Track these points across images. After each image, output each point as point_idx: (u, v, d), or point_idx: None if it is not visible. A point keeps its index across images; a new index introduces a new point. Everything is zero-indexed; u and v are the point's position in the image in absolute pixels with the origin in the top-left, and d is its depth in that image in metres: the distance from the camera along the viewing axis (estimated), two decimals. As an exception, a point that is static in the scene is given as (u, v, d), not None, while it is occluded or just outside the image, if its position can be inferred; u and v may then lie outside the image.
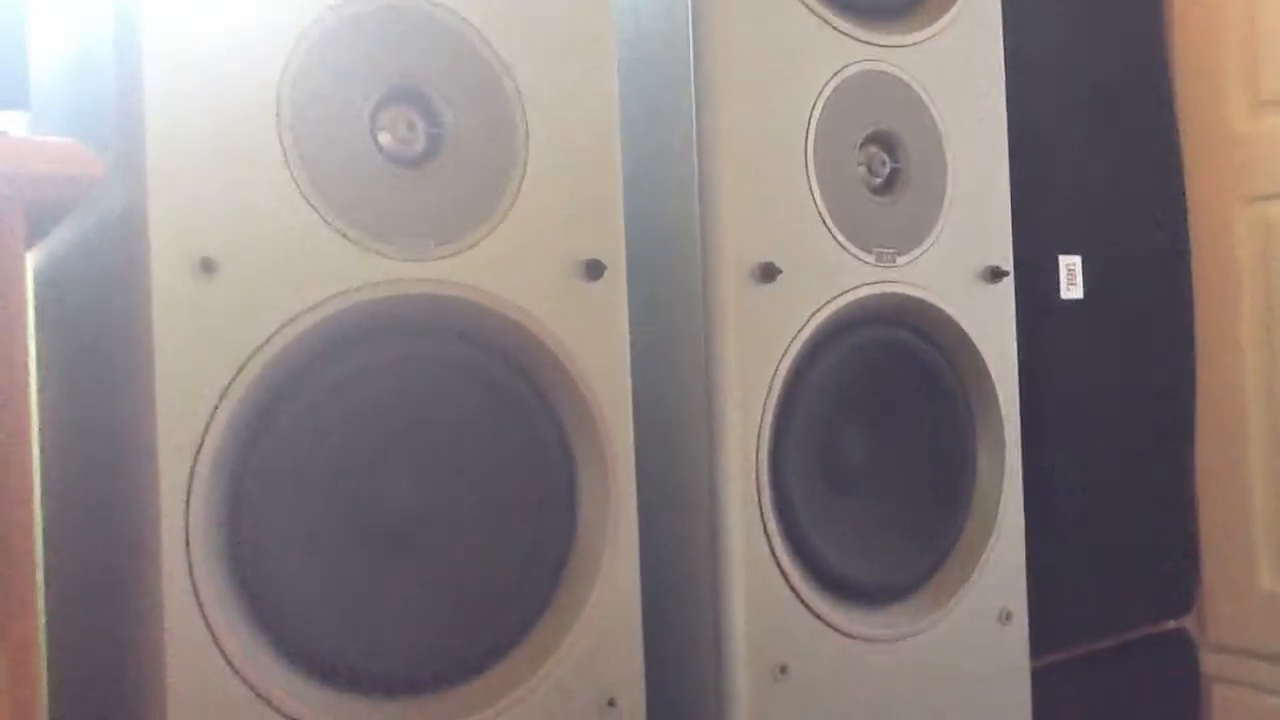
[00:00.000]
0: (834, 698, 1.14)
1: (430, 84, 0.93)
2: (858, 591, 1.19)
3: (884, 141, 1.21)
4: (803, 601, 1.13)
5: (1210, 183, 1.90)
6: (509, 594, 0.96)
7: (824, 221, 1.15)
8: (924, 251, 1.23)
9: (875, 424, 1.23)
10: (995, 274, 1.29)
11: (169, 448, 0.81)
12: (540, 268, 0.98)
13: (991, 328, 1.29)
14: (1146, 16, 1.56)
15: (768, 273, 1.10)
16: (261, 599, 0.86)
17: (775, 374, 1.11)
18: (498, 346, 0.97)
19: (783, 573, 1.11)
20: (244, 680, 0.83)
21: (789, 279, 1.12)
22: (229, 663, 0.83)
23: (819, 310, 1.14)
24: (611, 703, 1.00)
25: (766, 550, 1.10)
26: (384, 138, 0.91)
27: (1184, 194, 1.55)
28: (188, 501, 0.82)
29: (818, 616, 1.14)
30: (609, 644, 1.00)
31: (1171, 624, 1.58)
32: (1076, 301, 1.38)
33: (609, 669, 1.00)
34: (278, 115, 0.86)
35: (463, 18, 0.95)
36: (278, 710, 0.85)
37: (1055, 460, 1.38)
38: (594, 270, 1.00)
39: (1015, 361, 1.31)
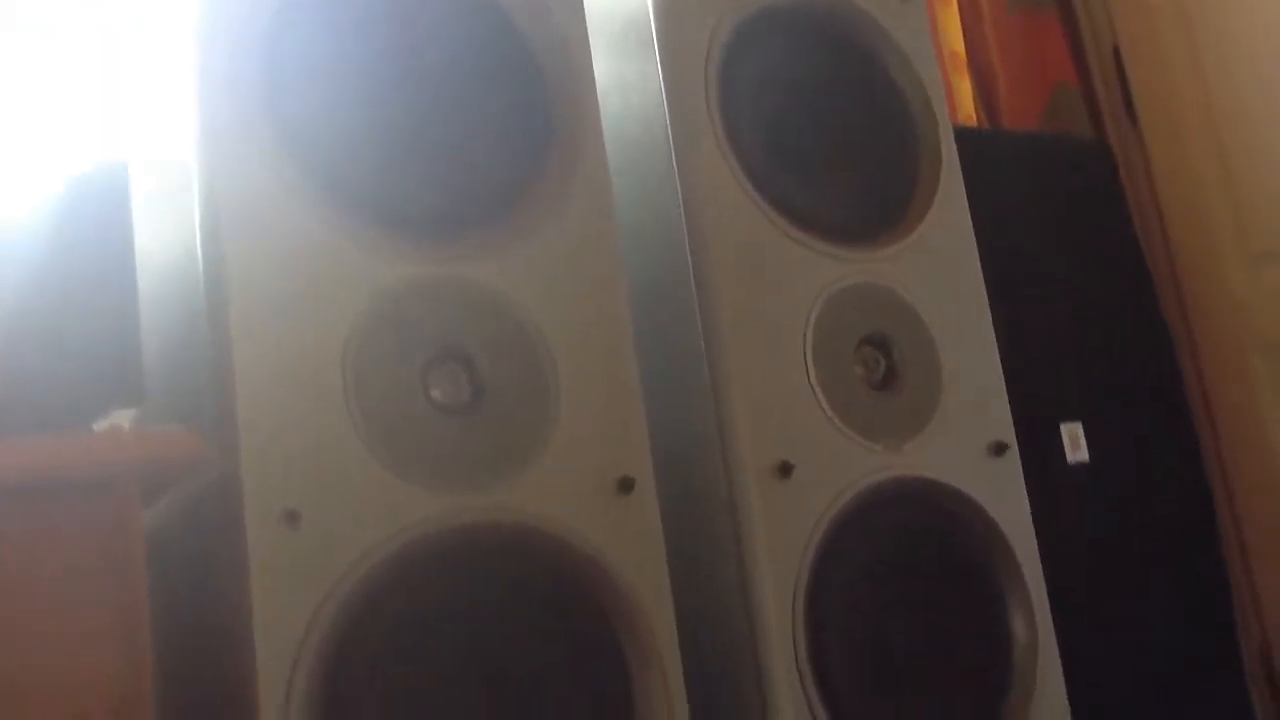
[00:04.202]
0: None
1: (471, 344, 1.09)
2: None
3: (877, 342, 1.35)
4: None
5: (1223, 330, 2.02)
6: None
7: (830, 419, 1.28)
8: (928, 436, 1.34)
9: (908, 608, 1.31)
10: (999, 448, 1.39)
11: (266, 678, 0.93)
12: (578, 490, 1.11)
13: (1003, 498, 1.38)
14: (1110, 202, 1.71)
15: (784, 470, 1.22)
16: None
17: (800, 571, 1.21)
18: (548, 564, 1.09)
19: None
20: None
21: (803, 474, 1.24)
22: None
23: (836, 499, 1.25)
24: None
25: (816, 737, 1.18)
26: (435, 393, 1.07)
27: (1174, 354, 1.66)
28: (284, 728, 0.93)
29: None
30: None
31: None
32: (1084, 465, 1.48)
33: None
34: (344, 382, 1.02)
35: (495, 288, 1.12)
36: None
37: (1084, 628, 1.44)
38: (626, 485, 1.13)
39: (1031, 528, 1.40)
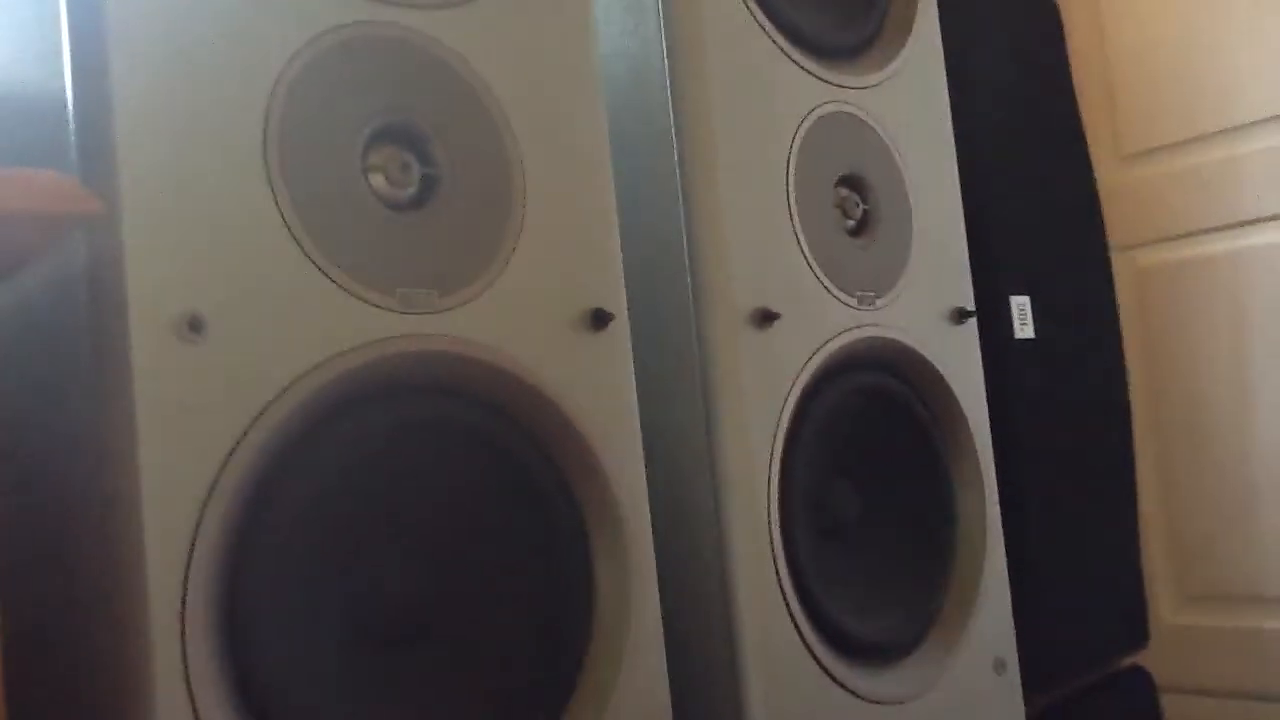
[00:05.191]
0: (859, 768, 1.07)
1: (423, 121, 0.84)
2: (864, 650, 1.12)
3: (854, 184, 1.19)
4: (821, 665, 1.05)
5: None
6: (529, 684, 0.85)
7: (810, 265, 1.11)
8: (899, 294, 1.20)
9: (863, 473, 1.18)
10: (962, 315, 1.27)
11: (157, 532, 0.68)
12: (545, 319, 0.89)
13: (962, 370, 1.27)
14: (1057, 64, 1.61)
15: (764, 318, 1.05)
16: (264, 703, 0.72)
17: (779, 424, 1.05)
18: (505, 406, 0.87)
19: (801, 637, 1.04)
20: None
21: (785, 324, 1.07)
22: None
23: (814, 355, 1.09)
24: (648, 799, 0.90)
25: (785, 615, 1.03)
26: (376, 179, 0.82)
27: (1104, 234, 1.60)
28: (184, 602, 0.68)
29: (836, 680, 1.06)
30: (640, 732, 0.90)
31: (1129, 661, 1.58)
32: (1029, 341, 1.39)
33: (642, 761, 0.90)
34: (264, 146, 0.75)
35: (450, 48, 0.86)
36: None
37: (1021, 501, 1.36)
38: (600, 320, 0.92)
39: (985, 404, 1.29)
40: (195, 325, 0.70)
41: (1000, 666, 1.26)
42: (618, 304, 0.94)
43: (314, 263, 0.76)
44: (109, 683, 0.69)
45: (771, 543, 1.02)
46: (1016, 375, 1.35)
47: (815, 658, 1.04)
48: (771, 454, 1.04)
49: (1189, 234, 1.90)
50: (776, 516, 1.03)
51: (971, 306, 1.29)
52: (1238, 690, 1.76)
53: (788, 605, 1.03)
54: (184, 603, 0.69)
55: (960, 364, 1.26)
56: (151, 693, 0.66)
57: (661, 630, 0.93)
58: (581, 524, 0.90)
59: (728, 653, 1.01)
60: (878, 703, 1.10)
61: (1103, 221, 1.59)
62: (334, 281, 0.77)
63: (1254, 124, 1.79)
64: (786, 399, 1.06)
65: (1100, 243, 1.56)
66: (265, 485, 0.73)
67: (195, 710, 0.68)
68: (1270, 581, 1.74)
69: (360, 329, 0.78)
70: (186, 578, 0.69)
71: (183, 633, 0.68)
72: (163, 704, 0.67)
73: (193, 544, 0.69)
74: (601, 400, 0.91)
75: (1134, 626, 1.53)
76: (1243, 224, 1.83)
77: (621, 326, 0.94)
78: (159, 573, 0.68)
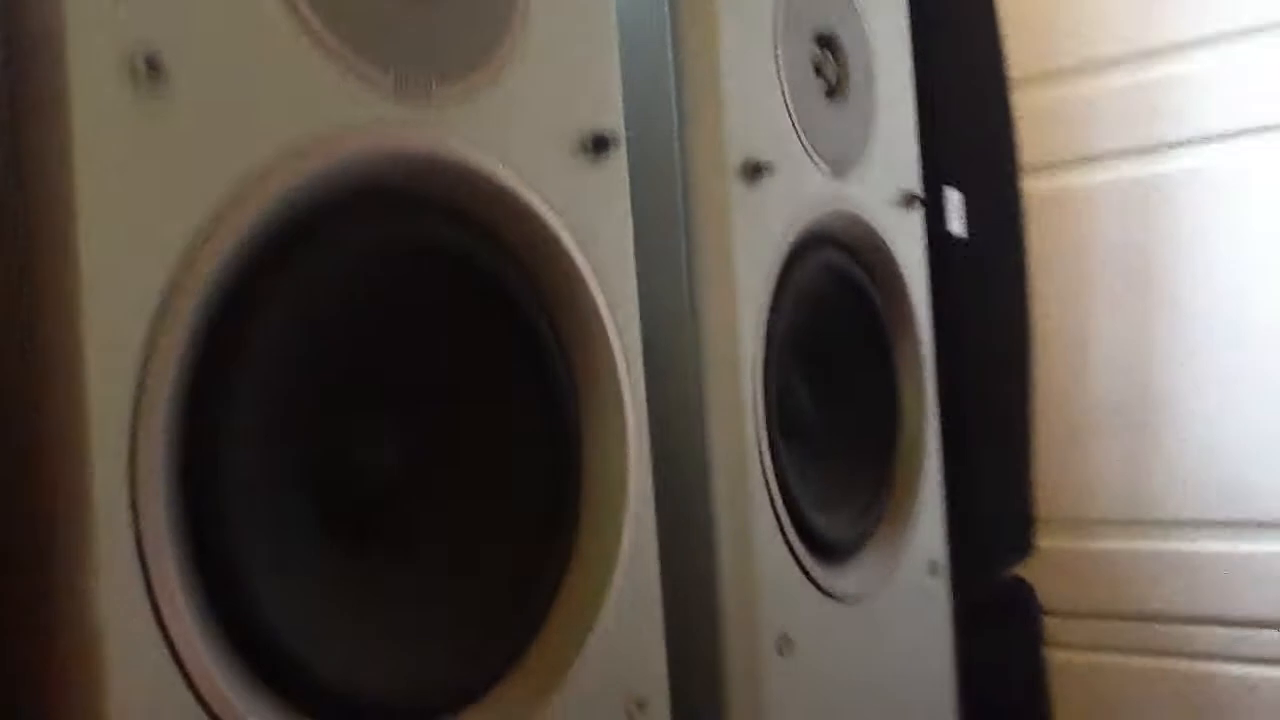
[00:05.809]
0: (823, 661, 0.99)
1: None
2: (825, 547, 1.04)
3: (829, 44, 1.09)
4: (797, 559, 0.96)
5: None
6: (515, 573, 0.71)
7: (794, 124, 1.00)
8: (865, 168, 1.11)
9: (820, 362, 1.09)
10: (911, 200, 1.20)
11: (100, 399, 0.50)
12: (543, 137, 0.74)
13: (911, 258, 1.20)
14: None
15: (755, 170, 0.93)
16: (221, 590, 0.56)
17: (767, 290, 0.94)
18: (500, 232, 0.72)
19: (781, 528, 0.94)
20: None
21: (773, 183, 0.95)
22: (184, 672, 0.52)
23: (797, 221, 0.99)
24: (641, 703, 0.78)
25: (768, 508, 0.93)
26: (366, -71, 0.64)
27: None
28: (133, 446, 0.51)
29: (806, 572, 0.98)
30: (633, 633, 0.78)
31: (1013, 573, 1.58)
32: (960, 240, 1.33)
33: (634, 659, 0.78)
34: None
35: None
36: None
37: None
38: (600, 145, 0.78)
39: (928, 296, 1.23)
40: (153, 66, 0.52)
41: (934, 569, 1.21)
42: (617, 133, 0.80)
43: (303, 20, 0.59)
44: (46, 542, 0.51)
45: (755, 415, 0.92)
46: (946, 272, 1.30)
47: (788, 544, 0.95)
48: (759, 319, 0.93)
49: (1048, 166, 1.92)
50: (760, 388, 0.93)
51: (919, 192, 1.22)
52: (1075, 610, 1.82)
53: (767, 485, 0.93)
54: (133, 455, 0.51)
55: (909, 254, 1.19)
56: (96, 552, 0.49)
57: (653, 497, 0.80)
58: (573, 376, 0.76)
59: (704, 519, 0.90)
60: (839, 600, 1.02)
61: (1015, 139, 1.56)
62: (324, 46, 0.60)
63: (1107, 62, 1.82)
64: (771, 266, 0.95)
65: (1012, 160, 1.53)
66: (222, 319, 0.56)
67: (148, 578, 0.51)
68: (1094, 506, 1.80)
69: (348, 109, 0.61)
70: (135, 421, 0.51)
71: (133, 499, 0.51)
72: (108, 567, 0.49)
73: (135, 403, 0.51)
74: (600, 237, 0.78)
75: (1025, 536, 1.53)
76: (1089, 160, 1.87)
77: (620, 158, 0.80)
78: (103, 417, 0.50)
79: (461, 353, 0.71)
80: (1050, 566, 1.65)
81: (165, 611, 0.50)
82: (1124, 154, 1.85)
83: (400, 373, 0.68)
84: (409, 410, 0.68)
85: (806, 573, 0.96)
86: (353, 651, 0.60)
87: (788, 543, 0.94)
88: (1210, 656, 1.70)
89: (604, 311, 0.77)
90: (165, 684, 0.50)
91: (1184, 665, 1.72)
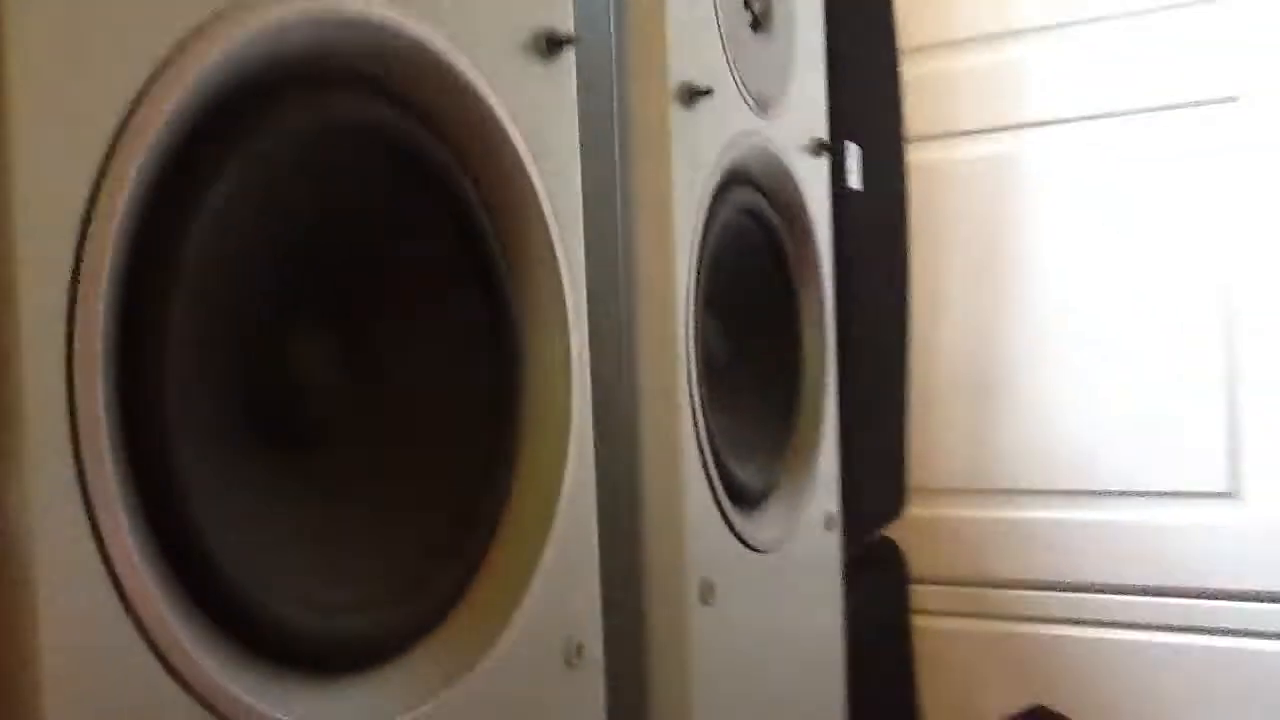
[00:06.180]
0: (740, 609, 0.96)
1: None
2: (743, 495, 1.01)
3: (754, -27, 1.05)
4: (719, 505, 0.93)
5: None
6: (456, 505, 0.65)
7: (724, 50, 0.96)
8: (783, 111, 1.08)
9: (728, 305, 1.06)
10: (820, 148, 1.18)
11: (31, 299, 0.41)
12: (492, 32, 0.68)
13: (818, 207, 1.18)
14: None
15: (691, 94, 0.88)
16: (158, 506, 0.47)
17: (699, 225, 0.90)
18: (447, 126, 0.65)
19: (706, 472, 0.90)
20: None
21: (706, 109, 0.91)
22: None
23: (726, 151, 0.94)
24: (579, 650, 0.72)
25: (695, 451, 0.89)
26: None
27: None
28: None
29: (728, 522, 0.94)
30: (573, 573, 0.72)
31: (881, 534, 1.60)
32: (856, 193, 1.33)
33: (574, 602, 0.72)
34: None
35: None
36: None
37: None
38: (552, 45, 0.72)
39: (830, 246, 1.22)
40: None
41: (830, 522, 1.20)
42: (568, 32, 0.74)
43: None
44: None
45: (686, 352, 0.88)
46: (845, 224, 1.29)
47: (713, 489, 0.92)
48: (691, 254, 0.89)
49: (911, 141, 1.96)
50: (692, 324, 0.89)
51: (827, 141, 1.20)
52: (923, 576, 1.86)
53: (695, 428, 0.89)
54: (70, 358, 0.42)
55: (816, 202, 1.18)
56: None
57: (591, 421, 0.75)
58: (518, 292, 0.70)
59: (631, 459, 0.86)
60: (753, 549, 1.00)
61: (903, 104, 1.57)
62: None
63: (966, 41, 1.86)
64: (705, 195, 0.91)
65: (901, 123, 1.54)
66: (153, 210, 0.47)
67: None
68: (941, 475, 1.85)
69: (307, -41, 0.53)
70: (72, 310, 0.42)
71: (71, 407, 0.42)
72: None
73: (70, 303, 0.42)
74: (549, 139, 0.71)
75: (898, 496, 1.55)
76: (945, 136, 1.91)
77: (570, 59, 0.74)
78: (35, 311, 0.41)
79: (400, 249, 0.63)
80: (903, 533, 1.68)
81: (102, 520, 0.41)
82: (977, 133, 1.90)
83: (336, 261, 0.61)
84: (345, 310, 0.61)
85: (727, 520, 0.93)
86: (293, 584, 0.53)
87: (712, 488, 0.91)
88: (1052, 620, 1.77)
89: (550, 218, 0.71)
90: (100, 600, 0.42)
91: (1028, 629, 1.78)
